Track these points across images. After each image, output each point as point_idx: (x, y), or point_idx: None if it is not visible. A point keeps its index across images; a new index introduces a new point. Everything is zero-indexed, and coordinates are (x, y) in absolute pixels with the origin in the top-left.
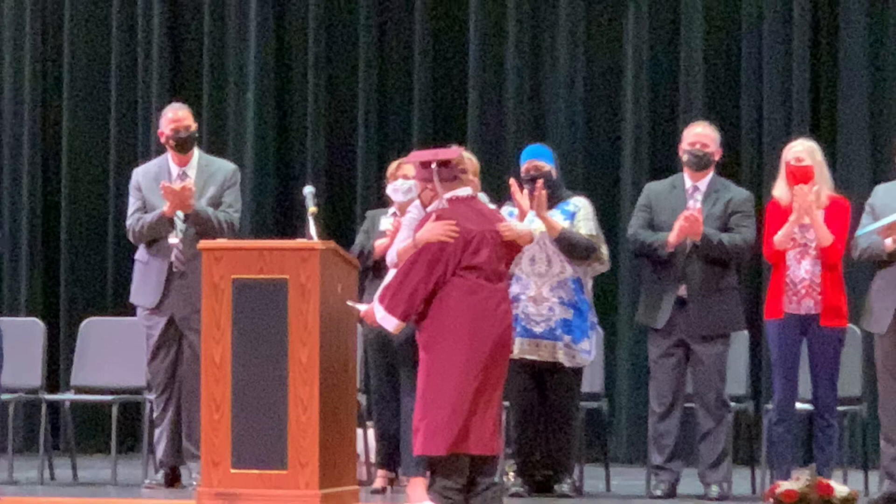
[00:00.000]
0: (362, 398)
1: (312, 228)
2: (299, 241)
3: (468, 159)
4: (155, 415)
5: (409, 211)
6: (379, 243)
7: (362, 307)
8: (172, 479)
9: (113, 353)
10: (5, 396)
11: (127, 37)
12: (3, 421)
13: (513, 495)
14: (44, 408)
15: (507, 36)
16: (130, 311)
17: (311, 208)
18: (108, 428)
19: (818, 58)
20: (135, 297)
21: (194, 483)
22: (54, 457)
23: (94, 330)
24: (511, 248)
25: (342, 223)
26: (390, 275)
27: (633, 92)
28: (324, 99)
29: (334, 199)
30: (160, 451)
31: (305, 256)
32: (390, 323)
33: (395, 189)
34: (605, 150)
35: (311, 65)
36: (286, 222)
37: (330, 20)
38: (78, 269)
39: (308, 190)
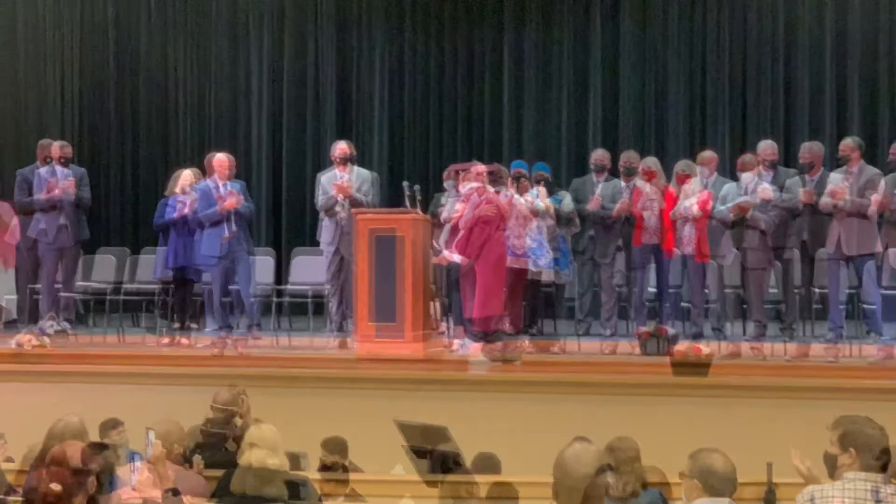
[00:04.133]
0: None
1: (417, 205)
2: (408, 212)
3: (503, 170)
4: (331, 297)
5: (471, 198)
6: (453, 214)
7: (444, 251)
8: (339, 329)
9: (309, 268)
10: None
11: (319, 107)
12: (251, 306)
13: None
14: (274, 296)
15: (524, 103)
16: (318, 247)
17: (415, 195)
18: (307, 306)
19: (695, 119)
20: (321, 240)
21: (351, 330)
22: (279, 319)
23: (300, 256)
24: (526, 219)
25: (428, 203)
26: (460, 233)
27: (593, 134)
28: (421, 140)
29: (425, 191)
30: (333, 315)
31: (411, 221)
32: (459, 258)
33: (463, 186)
34: (579, 166)
35: (415, 119)
36: (400, 202)
37: (426, 97)
38: (291, 225)
39: (415, 186)
